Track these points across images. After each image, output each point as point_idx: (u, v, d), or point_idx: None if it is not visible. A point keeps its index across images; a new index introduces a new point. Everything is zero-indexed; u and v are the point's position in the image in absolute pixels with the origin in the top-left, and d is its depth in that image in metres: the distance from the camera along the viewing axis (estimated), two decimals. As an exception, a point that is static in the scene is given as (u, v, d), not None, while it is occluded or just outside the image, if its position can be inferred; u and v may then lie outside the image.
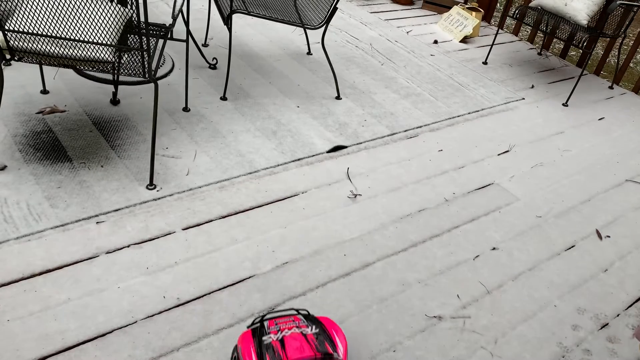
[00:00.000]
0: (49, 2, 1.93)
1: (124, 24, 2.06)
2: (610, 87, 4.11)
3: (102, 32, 1.99)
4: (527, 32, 4.87)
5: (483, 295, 2.10)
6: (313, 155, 2.70)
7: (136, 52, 2.24)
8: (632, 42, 4.21)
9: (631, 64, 5.39)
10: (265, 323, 1.60)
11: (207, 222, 2.19)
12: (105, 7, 2.01)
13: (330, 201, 2.43)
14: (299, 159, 2.66)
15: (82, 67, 2.10)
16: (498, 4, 5.74)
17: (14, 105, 2.63)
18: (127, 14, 2.07)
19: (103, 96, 2.83)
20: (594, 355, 1.94)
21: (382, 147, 2.87)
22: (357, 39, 4.13)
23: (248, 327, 1.61)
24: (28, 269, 1.86)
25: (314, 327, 1.62)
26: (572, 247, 2.43)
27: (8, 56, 2.03)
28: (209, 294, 1.90)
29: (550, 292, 2.17)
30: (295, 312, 1.74)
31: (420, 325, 1.93)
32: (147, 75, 2.14)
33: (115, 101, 2.79)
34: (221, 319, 1.82)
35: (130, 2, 1.98)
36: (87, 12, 1.97)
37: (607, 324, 2.08)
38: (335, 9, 2.96)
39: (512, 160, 2.96)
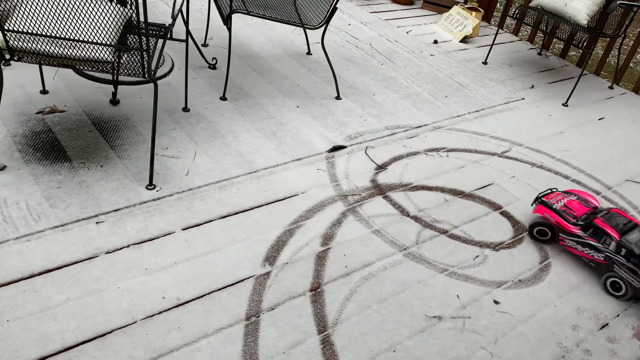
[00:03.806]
0: (49, 2, 1.93)
1: (123, 24, 2.06)
2: (610, 87, 4.11)
3: (102, 32, 1.99)
4: (527, 32, 4.87)
5: (483, 295, 2.10)
6: (313, 155, 2.70)
7: (136, 52, 2.23)
8: (632, 42, 4.21)
9: (631, 64, 5.39)
10: (545, 199, 2.41)
11: (206, 222, 2.19)
12: (104, 7, 2.01)
13: (330, 201, 2.42)
14: (298, 159, 2.65)
15: (81, 67, 2.10)
16: (498, 4, 5.74)
17: (13, 105, 2.63)
18: (127, 14, 2.07)
19: (103, 96, 2.82)
20: (594, 355, 1.94)
21: (382, 147, 2.87)
22: (357, 39, 4.13)
23: (534, 203, 2.47)
24: (27, 269, 1.86)
25: (573, 196, 2.43)
26: (572, 247, 2.43)
27: (7, 56, 2.03)
28: (209, 294, 1.90)
29: (550, 292, 2.17)
30: (555, 189, 2.53)
31: (420, 326, 1.93)
32: (146, 75, 2.14)
33: (114, 101, 2.79)
34: (221, 319, 1.82)
35: (129, 2, 1.98)
36: (86, 12, 1.97)
37: (607, 324, 2.08)
38: (335, 9, 2.96)
39: (512, 160, 2.96)
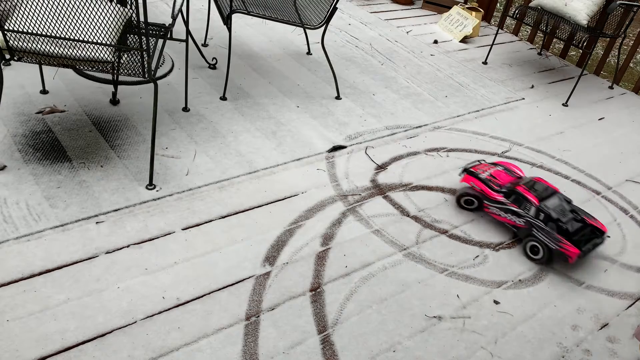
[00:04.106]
0: (49, 2, 1.93)
1: (123, 23, 2.06)
2: (610, 87, 4.11)
3: (102, 32, 1.99)
4: (527, 32, 4.87)
5: (483, 295, 2.10)
6: (313, 155, 2.70)
7: (136, 52, 2.23)
8: (632, 42, 4.21)
9: (631, 64, 5.39)
10: (472, 170, 2.50)
11: (206, 222, 2.19)
12: (104, 7, 2.01)
13: (330, 201, 2.42)
14: (298, 159, 2.65)
15: (81, 67, 2.10)
16: (498, 4, 5.74)
17: (13, 105, 2.63)
18: (127, 13, 2.07)
19: (103, 96, 2.82)
20: (594, 355, 1.94)
21: (381, 147, 2.87)
22: (357, 39, 4.13)
23: (461, 174, 2.53)
24: (27, 269, 1.86)
25: (498, 167, 2.54)
26: (572, 247, 2.43)
27: (8, 56, 2.03)
28: (209, 294, 1.90)
29: (550, 292, 2.17)
30: (483, 161, 2.62)
31: (420, 326, 1.93)
32: (146, 75, 2.14)
33: (114, 101, 2.79)
34: (221, 319, 1.82)
35: (129, 2, 1.98)
36: (86, 12, 1.97)
37: (607, 324, 2.08)
38: (335, 8, 2.96)
39: (512, 161, 2.96)
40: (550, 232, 2.23)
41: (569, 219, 2.26)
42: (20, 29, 1.95)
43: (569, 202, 2.37)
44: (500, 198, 2.37)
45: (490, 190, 2.40)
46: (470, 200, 2.48)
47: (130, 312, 1.79)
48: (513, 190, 2.35)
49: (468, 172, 2.50)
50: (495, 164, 2.57)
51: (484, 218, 2.49)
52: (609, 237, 2.53)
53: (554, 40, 5.48)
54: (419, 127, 3.12)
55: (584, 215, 2.34)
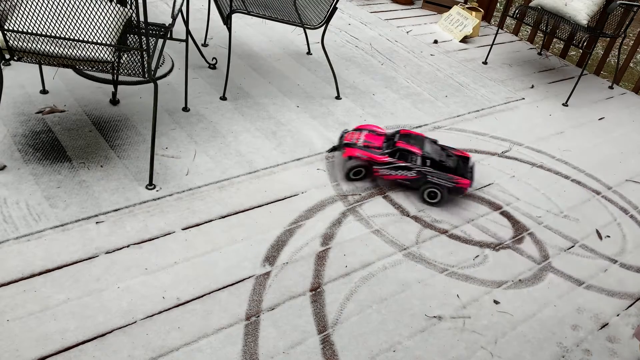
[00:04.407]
0: (49, 2, 1.93)
1: (123, 23, 2.06)
2: (610, 87, 4.11)
3: (102, 32, 1.99)
4: (527, 32, 4.87)
5: (483, 295, 2.10)
6: (313, 155, 2.70)
7: (136, 52, 2.23)
8: (632, 42, 4.21)
9: (631, 64, 5.39)
10: (348, 142, 2.56)
11: (206, 222, 2.19)
12: (104, 7, 2.01)
13: (330, 201, 2.42)
14: (298, 159, 2.65)
15: (81, 67, 2.10)
16: (498, 4, 5.74)
17: (13, 105, 2.63)
18: (127, 13, 2.07)
19: (102, 96, 2.82)
20: (594, 355, 1.94)
21: (382, 147, 2.87)
22: (357, 38, 4.13)
23: (341, 147, 2.57)
24: (27, 269, 1.86)
25: (364, 131, 2.65)
26: (572, 247, 2.43)
27: (7, 56, 2.03)
28: (209, 293, 1.90)
29: (550, 292, 2.17)
30: (349, 129, 2.86)
31: (420, 325, 1.93)
32: (146, 75, 2.14)
33: (114, 101, 2.79)
34: (221, 319, 1.82)
35: (129, 2, 1.98)
36: (86, 11, 1.97)
37: (607, 324, 2.08)
38: (335, 8, 2.96)
39: (512, 160, 2.96)
40: (441, 174, 2.42)
41: (446, 158, 2.48)
42: (20, 29, 1.95)
43: (435, 142, 2.57)
44: (387, 159, 2.47)
45: (375, 155, 2.49)
46: (359, 171, 2.54)
47: (130, 312, 1.79)
48: (395, 148, 2.46)
49: (347, 145, 2.55)
50: (359, 130, 2.66)
51: (483, 218, 2.50)
52: (606, 236, 2.53)
53: (554, 40, 5.48)
54: (419, 127, 3.12)
55: (451, 150, 2.60)
